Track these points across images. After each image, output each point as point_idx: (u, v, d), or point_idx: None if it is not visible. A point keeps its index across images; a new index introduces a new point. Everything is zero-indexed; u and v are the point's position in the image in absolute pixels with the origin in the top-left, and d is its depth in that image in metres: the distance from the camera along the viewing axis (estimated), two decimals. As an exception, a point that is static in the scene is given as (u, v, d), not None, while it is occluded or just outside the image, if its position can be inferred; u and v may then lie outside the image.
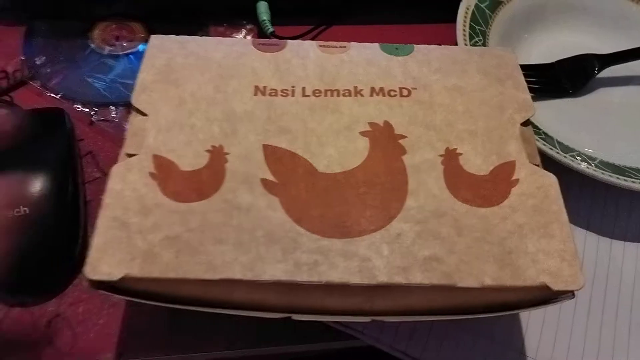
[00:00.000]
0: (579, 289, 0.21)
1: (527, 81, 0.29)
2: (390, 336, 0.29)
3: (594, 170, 0.32)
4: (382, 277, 0.21)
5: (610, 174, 0.32)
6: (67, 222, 0.30)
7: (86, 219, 0.32)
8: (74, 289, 0.30)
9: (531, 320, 0.31)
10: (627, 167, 0.34)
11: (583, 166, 0.32)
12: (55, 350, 0.28)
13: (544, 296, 0.22)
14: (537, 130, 0.33)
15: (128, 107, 0.33)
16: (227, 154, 0.25)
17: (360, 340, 0.30)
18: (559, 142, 0.33)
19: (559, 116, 0.38)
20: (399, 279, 0.21)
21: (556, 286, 0.21)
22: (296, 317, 0.22)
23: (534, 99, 0.28)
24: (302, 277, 0.21)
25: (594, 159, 0.33)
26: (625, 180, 0.32)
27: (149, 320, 0.29)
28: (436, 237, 0.23)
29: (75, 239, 0.30)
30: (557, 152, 0.32)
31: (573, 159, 0.32)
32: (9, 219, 0.28)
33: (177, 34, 0.29)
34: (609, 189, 0.34)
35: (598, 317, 0.31)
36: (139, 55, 0.39)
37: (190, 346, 0.29)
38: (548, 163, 0.25)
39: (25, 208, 0.29)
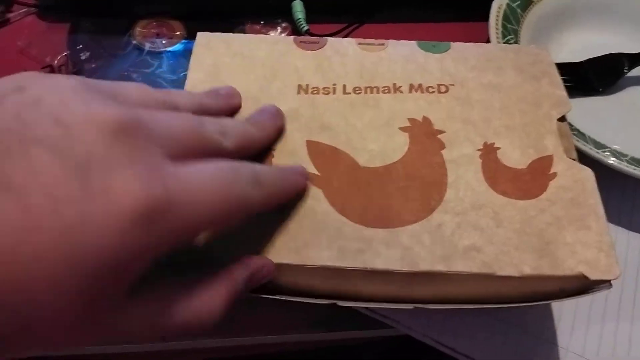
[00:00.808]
0: (615, 279, 0.22)
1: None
2: (422, 325, 0.30)
3: (626, 165, 0.33)
4: (424, 265, 0.22)
5: (642, 169, 0.33)
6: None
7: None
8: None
9: (563, 313, 0.31)
10: (658, 164, 0.34)
11: (615, 162, 0.33)
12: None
13: (581, 286, 0.23)
14: (570, 127, 0.34)
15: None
16: (273, 149, 0.25)
17: (394, 330, 0.30)
18: (590, 139, 0.34)
19: (588, 114, 0.38)
20: (440, 267, 0.22)
21: (593, 275, 0.22)
22: (341, 303, 0.23)
23: (564, 97, 0.28)
24: (347, 263, 0.22)
25: (625, 155, 0.33)
26: (656, 176, 0.32)
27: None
28: (476, 228, 0.23)
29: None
30: (590, 149, 0.33)
31: (605, 154, 0.33)
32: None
33: (215, 31, 0.30)
34: (639, 185, 0.34)
35: (629, 311, 0.32)
36: (178, 52, 0.40)
37: (232, 330, 0.30)
38: (580, 159, 0.26)
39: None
